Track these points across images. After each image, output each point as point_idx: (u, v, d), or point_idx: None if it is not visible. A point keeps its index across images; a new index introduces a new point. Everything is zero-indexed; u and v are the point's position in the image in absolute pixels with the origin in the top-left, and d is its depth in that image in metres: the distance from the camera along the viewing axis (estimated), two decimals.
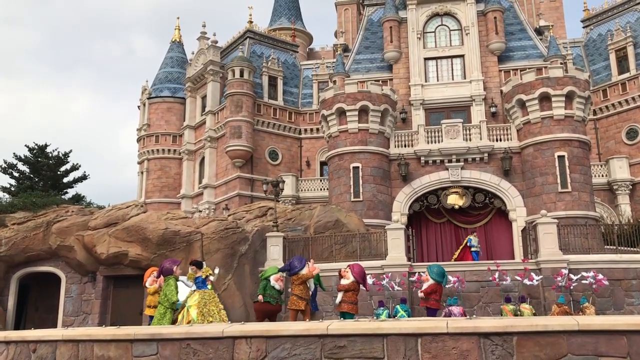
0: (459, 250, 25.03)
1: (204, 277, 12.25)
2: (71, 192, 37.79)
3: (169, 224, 19.62)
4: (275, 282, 12.73)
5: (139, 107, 42.38)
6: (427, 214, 28.24)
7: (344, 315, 12.05)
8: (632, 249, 19.51)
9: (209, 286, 12.02)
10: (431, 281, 13.42)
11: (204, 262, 13.16)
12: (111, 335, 8.02)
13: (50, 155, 37.61)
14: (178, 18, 58.68)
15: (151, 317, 12.99)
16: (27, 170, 36.90)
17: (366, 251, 19.79)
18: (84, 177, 38.61)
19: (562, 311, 15.66)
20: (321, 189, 32.59)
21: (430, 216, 28.30)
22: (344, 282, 12.41)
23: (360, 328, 6.70)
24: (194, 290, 11.67)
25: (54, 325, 20.22)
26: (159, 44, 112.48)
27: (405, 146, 28.53)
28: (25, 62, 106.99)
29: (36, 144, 37.65)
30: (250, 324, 7.86)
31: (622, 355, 5.98)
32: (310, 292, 13.20)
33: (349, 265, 12.72)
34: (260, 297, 12.67)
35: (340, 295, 12.44)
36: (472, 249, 24.31)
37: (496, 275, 17.91)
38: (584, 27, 37.21)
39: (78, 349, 8.21)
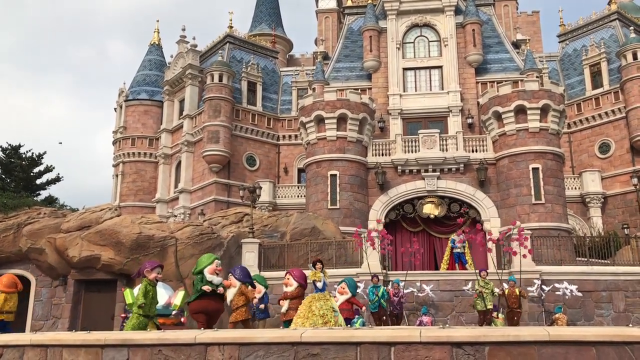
0: (446, 257, 24.12)
1: (326, 278, 12.21)
2: (44, 194, 37.25)
3: (143, 228, 19.42)
4: (212, 274, 10.30)
5: (115, 109, 41.95)
6: (403, 222, 28.38)
7: (286, 324, 11.27)
8: (602, 260, 19.87)
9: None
10: (350, 294, 13.23)
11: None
12: (81, 340, 7.88)
13: (23, 156, 36.97)
14: (158, 21, 58.23)
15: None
16: None
17: (342, 259, 19.85)
18: (57, 179, 38.04)
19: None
20: (298, 196, 32.55)
21: (406, 225, 28.44)
22: (288, 289, 11.59)
23: (334, 336, 6.69)
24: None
25: (22, 330, 19.81)
26: (135, 48, 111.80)
27: (382, 155, 28.69)
28: None
29: (9, 144, 37.01)
30: (223, 331, 7.80)
31: None
32: (259, 300, 12.96)
33: (288, 272, 11.83)
34: (206, 288, 10.00)
35: (286, 304, 11.56)
36: (455, 250, 23.32)
37: (469, 286, 18.07)
38: (559, 42, 37.90)
39: (47, 354, 8.05)
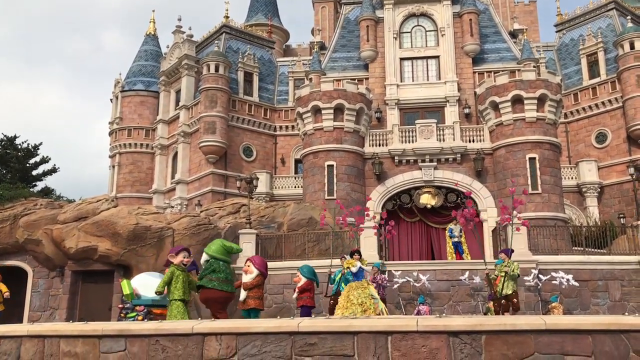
0: (450, 248, 23.13)
1: (364, 266, 12.19)
2: (40, 185, 37.06)
3: (140, 219, 19.40)
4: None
5: (111, 100, 41.78)
6: (400, 213, 28.40)
7: (251, 313, 10.90)
8: (599, 250, 19.94)
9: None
10: (304, 279, 13.19)
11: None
12: (78, 330, 7.89)
13: (19, 147, 36.76)
14: (153, 11, 58.14)
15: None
16: None
17: (339, 249, 19.84)
18: (54, 170, 37.86)
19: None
20: (295, 187, 32.53)
21: (403, 215, 28.47)
22: (248, 278, 10.99)
23: (331, 326, 6.70)
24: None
25: (20, 321, 19.82)
26: (131, 39, 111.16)
27: (379, 145, 28.66)
28: None
29: (5, 135, 36.78)
30: (220, 321, 7.80)
31: (587, 354, 6.09)
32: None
33: (248, 259, 11.45)
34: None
35: (244, 293, 11.00)
36: (453, 240, 22.63)
37: (466, 275, 18.12)
38: (557, 32, 37.80)
39: (44, 344, 8.06)
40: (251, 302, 10.87)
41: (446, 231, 24.06)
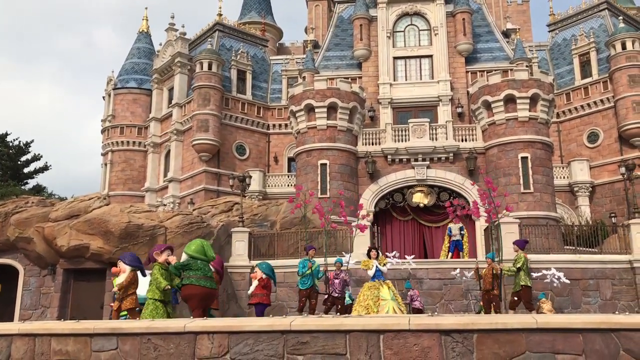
0: (446, 244, 22.70)
1: (381, 265, 11.98)
2: (32, 183, 36.96)
3: (132, 217, 19.32)
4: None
5: (104, 97, 41.61)
6: (393, 211, 28.45)
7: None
8: (590, 249, 20.03)
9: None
10: (264, 275, 12.65)
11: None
12: (70, 329, 7.85)
13: (10, 144, 36.62)
14: (146, 8, 57.54)
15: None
16: None
17: (332, 248, 19.84)
18: (45, 168, 37.74)
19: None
20: (288, 185, 32.52)
21: (396, 214, 28.52)
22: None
23: (323, 324, 6.71)
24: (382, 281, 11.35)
25: (11, 319, 19.72)
26: (123, 37, 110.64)
27: (372, 144, 28.69)
28: None
29: None
30: (212, 320, 7.79)
31: (578, 352, 6.12)
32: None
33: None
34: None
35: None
36: (453, 238, 22.04)
37: (457, 272, 18.15)
38: (549, 32, 37.95)
39: (35, 343, 8.01)
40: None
41: (447, 230, 23.86)
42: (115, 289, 10.73)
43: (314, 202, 26.09)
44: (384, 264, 12.74)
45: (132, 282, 10.50)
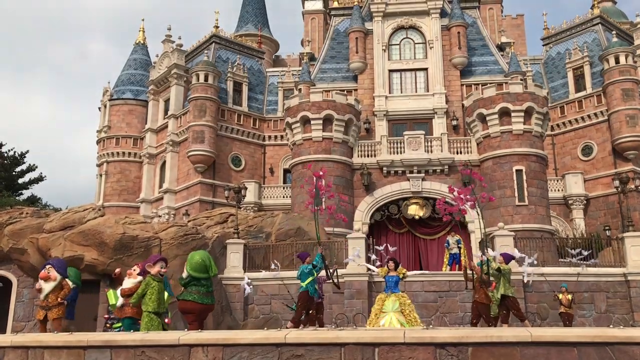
0: (446, 257, 22.41)
1: (400, 276, 11.71)
2: (26, 194, 36.90)
3: (127, 228, 19.25)
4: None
5: (99, 108, 41.61)
6: (388, 223, 28.47)
7: (125, 321, 10.25)
8: (585, 262, 20.04)
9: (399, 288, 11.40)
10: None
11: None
12: (63, 341, 7.81)
13: (5, 155, 36.57)
14: (143, 20, 58.15)
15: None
16: None
17: (327, 259, 19.79)
18: (40, 179, 37.68)
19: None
20: (284, 197, 32.53)
21: (391, 226, 28.55)
22: (129, 283, 10.30)
23: (318, 337, 6.70)
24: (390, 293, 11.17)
25: (3, 331, 19.57)
26: (118, 48, 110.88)
27: (368, 156, 28.77)
28: None
29: None
30: (207, 332, 7.77)
31: None
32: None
33: (137, 265, 10.70)
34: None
35: (121, 300, 10.30)
36: (451, 252, 21.86)
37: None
38: (543, 45, 38.25)
39: (28, 355, 7.96)
40: (128, 310, 10.35)
41: (445, 244, 23.78)
42: (42, 297, 10.61)
43: (309, 214, 26.13)
44: (403, 275, 12.37)
45: (61, 290, 10.51)
